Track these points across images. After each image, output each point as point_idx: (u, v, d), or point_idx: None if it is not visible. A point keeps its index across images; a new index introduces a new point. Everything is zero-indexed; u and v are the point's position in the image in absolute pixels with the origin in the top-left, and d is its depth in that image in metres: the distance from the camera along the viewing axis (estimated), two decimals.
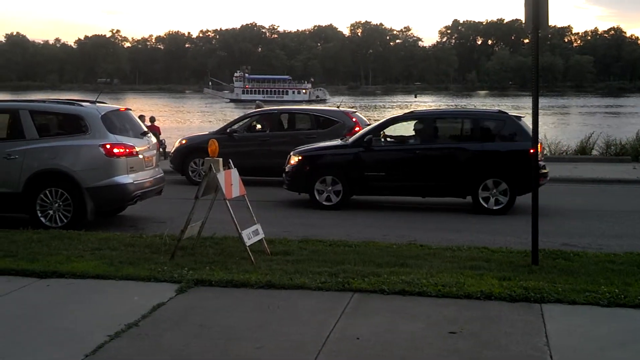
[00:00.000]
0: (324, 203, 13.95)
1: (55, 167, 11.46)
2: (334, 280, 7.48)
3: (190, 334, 6.02)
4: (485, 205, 13.62)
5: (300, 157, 14.42)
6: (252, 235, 8.75)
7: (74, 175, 11.36)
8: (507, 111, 15.03)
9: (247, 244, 8.49)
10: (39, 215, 11.36)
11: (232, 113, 65.95)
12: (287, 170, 14.56)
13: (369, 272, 7.82)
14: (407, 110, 20.55)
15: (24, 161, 11.45)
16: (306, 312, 6.63)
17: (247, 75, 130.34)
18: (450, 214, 13.48)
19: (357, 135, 14.73)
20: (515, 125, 14.12)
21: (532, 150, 13.60)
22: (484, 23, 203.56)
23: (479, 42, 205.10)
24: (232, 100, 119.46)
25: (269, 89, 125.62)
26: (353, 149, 14.28)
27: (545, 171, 14.08)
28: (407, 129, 15.12)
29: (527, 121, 12.18)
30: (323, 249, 9.22)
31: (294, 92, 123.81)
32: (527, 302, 6.87)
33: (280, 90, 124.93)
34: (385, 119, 15.42)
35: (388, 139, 14.67)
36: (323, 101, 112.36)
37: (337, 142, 15.10)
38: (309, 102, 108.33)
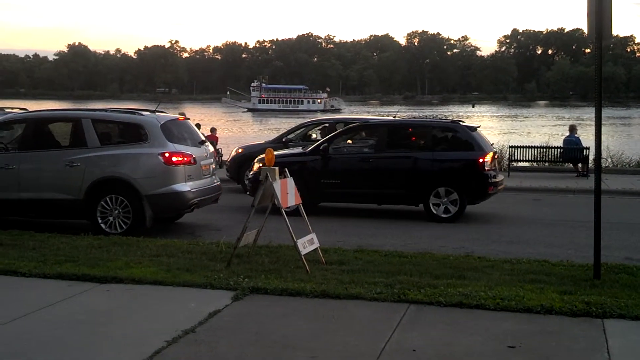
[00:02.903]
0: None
1: (116, 174, 11.68)
2: (390, 291, 7.42)
3: (246, 341, 6.04)
4: (438, 214, 13.71)
5: (261, 164, 14.51)
6: (307, 244, 8.76)
7: (134, 183, 11.55)
8: (461, 121, 15.12)
9: (302, 253, 8.50)
10: (100, 221, 11.59)
11: (249, 122, 66.12)
12: (249, 176, 14.90)
13: (426, 284, 7.73)
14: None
15: (86, 169, 11.70)
16: (361, 323, 6.59)
17: (263, 84, 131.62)
18: (510, 225, 13.26)
19: (316, 143, 15.00)
20: (468, 136, 14.23)
21: (480, 160, 13.69)
22: (544, 32, 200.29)
23: (539, 52, 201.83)
24: (249, 110, 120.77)
25: (284, 99, 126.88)
26: (310, 156, 14.58)
27: (495, 180, 14.03)
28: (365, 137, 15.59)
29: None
30: (378, 259, 9.17)
31: (309, 102, 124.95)
32: (588, 317, 6.69)
33: (296, 99, 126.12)
34: (341, 129, 15.65)
35: (344, 148, 15.10)
36: (338, 110, 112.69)
37: (298, 150, 15.44)
38: (324, 111, 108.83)
